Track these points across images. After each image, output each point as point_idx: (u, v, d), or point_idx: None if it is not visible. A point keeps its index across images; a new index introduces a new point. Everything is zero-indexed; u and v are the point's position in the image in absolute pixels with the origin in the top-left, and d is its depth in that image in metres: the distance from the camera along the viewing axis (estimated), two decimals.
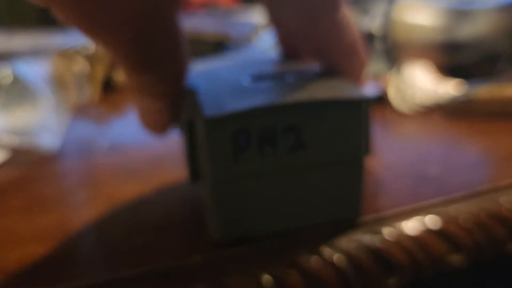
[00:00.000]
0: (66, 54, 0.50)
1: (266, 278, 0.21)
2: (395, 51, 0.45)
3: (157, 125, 0.23)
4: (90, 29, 0.18)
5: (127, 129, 0.38)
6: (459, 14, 0.43)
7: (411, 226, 0.23)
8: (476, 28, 0.41)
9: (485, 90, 0.35)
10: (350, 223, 0.23)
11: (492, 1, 0.43)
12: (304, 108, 0.20)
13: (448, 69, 0.44)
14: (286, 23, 0.24)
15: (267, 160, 0.20)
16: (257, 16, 0.74)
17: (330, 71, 0.24)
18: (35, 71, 0.45)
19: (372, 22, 0.49)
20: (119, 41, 0.19)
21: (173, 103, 0.22)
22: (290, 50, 0.26)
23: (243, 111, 0.19)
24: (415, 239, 0.23)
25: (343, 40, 0.23)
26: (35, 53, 0.60)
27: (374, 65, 0.48)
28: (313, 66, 0.25)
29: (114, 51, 0.19)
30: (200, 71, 0.25)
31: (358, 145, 0.22)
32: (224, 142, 0.20)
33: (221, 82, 0.23)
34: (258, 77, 0.23)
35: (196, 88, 0.22)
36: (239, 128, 0.20)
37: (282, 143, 0.20)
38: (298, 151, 0.21)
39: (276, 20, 0.24)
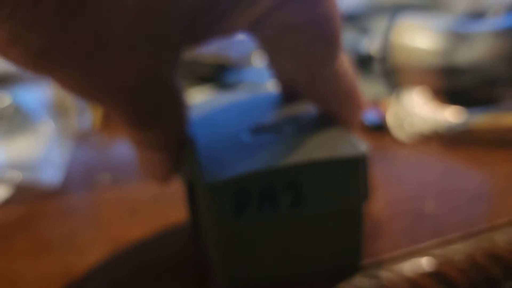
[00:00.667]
0: None
1: None
2: (394, 74, 0.46)
3: (158, 176, 0.24)
4: (91, 95, 0.19)
5: (130, 158, 0.39)
6: (457, 38, 0.43)
7: (408, 269, 0.24)
8: (475, 52, 0.42)
9: (483, 119, 0.36)
10: (351, 270, 0.24)
11: (489, 24, 0.43)
12: (303, 168, 0.21)
13: (447, 93, 0.44)
14: (285, 71, 0.25)
15: (268, 216, 0.21)
16: None
17: (328, 116, 0.25)
18: (36, 97, 0.46)
19: (371, 43, 0.50)
20: (119, 104, 0.19)
21: (174, 155, 0.23)
22: (288, 91, 0.27)
23: (243, 174, 0.20)
24: (412, 283, 0.24)
25: (340, 88, 0.24)
26: (30, 80, 0.61)
27: (373, 88, 0.48)
28: (311, 109, 0.26)
29: (115, 112, 0.20)
30: (199, 118, 0.26)
31: (357, 196, 0.22)
32: (225, 203, 0.20)
33: (220, 136, 0.23)
34: (257, 130, 0.24)
35: (196, 142, 0.23)
36: (239, 189, 0.20)
37: (282, 200, 0.21)
38: (298, 206, 0.21)
39: (276, 66, 0.25)
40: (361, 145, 0.22)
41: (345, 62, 0.23)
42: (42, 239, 0.28)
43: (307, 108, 0.26)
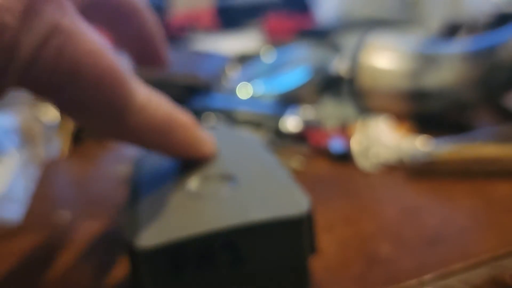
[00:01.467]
0: (34, 103, 0.50)
1: None
2: (362, 96, 0.45)
3: None
4: None
5: (98, 191, 0.39)
6: (425, 60, 0.43)
7: None
8: (443, 75, 0.42)
9: (449, 149, 0.35)
10: None
11: (458, 46, 0.43)
12: (241, 230, 0.20)
13: (415, 118, 0.44)
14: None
15: (207, 276, 0.21)
16: (234, 43, 0.75)
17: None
18: (1, 124, 0.45)
19: (341, 63, 0.50)
20: None
21: None
22: None
23: (177, 240, 0.19)
24: None
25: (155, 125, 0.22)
26: (1, 103, 0.60)
27: (342, 111, 0.48)
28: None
29: None
30: (148, 168, 0.26)
31: (300, 255, 0.22)
32: (162, 265, 0.20)
33: (164, 191, 0.23)
34: (202, 181, 0.23)
35: (138, 201, 0.23)
36: (177, 253, 0.20)
37: (221, 260, 0.21)
38: (237, 266, 0.21)
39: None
40: (303, 200, 0.22)
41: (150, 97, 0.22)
42: None
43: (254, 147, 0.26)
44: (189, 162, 0.26)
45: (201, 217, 0.21)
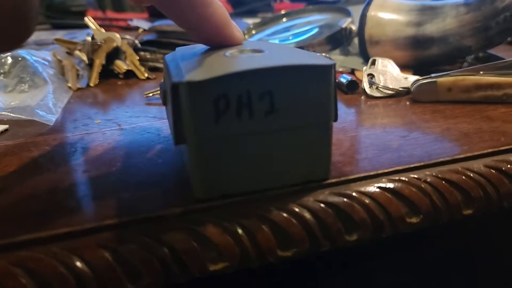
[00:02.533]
0: (66, 43, 0.51)
1: (239, 230, 0.22)
2: (369, 45, 0.46)
3: None
4: None
5: (121, 110, 0.39)
6: (428, 10, 0.44)
7: (370, 188, 0.24)
8: (445, 22, 0.42)
9: (449, 77, 0.36)
10: (318, 185, 0.24)
11: None
12: (277, 74, 0.21)
13: (418, 63, 0.45)
14: None
15: (244, 123, 0.21)
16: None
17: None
18: (37, 57, 0.46)
19: (352, 20, 0.50)
20: None
21: None
22: None
23: (221, 75, 0.20)
24: (373, 199, 0.24)
25: None
26: (38, 45, 0.61)
27: (352, 60, 0.49)
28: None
29: None
30: (187, 51, 0.26)
31: (327, 109, 0.22)
32: (206, 106, 0.20)
33: (199, 55, 0.24)
34: (233, 52, 0.24)
35: (176, 58, 0.23)
36: (219, 93, 0.20)
37: (258, 107, 0.21)
38: (272, 115, 0.21)
39: None
40: (328, 60, 0.22)
41: None
42: (31, 162, 0.28)
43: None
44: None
45: (240, 64, 0.21)
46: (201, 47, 0.27)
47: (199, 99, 0.20)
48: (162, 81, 0.28)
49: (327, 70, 0.21)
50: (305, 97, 0.22)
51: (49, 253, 0.20)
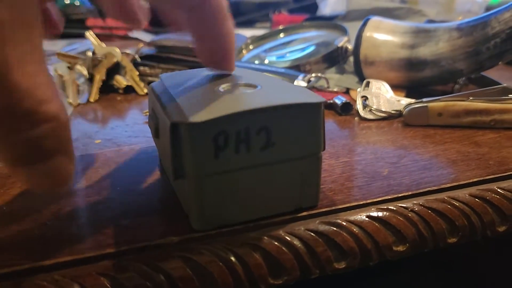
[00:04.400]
0: (67, 58, 0.52)
1: (233, 258, 0.23)
2: (364, 65, 0.47)
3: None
4: None
5: (121, 129, 0.40)
6: (421, 33, 0.45)
7: (359, 217, 0.25)
8: (438, 46, 0.43)
9: (440, 102, 0.37)
10: (309, 214, 0.25)
11: (452, 22, 0.45)
12: (274, 112, 0.22)
13: (412, 84, 0.46)
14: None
15: (242, 157, 0.22)
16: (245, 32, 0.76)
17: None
18: None
19: (348, 39, 0.51)
20: None
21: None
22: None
23: (222, 116, 0.21)
24: (362, 228, 0.25)
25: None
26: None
27: (347, 80, 0.50)
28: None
29: None
30: (170, 79, 0.27)
31: (318, 141, 0.24)
32: (206, 143, 0.21)
33: (194, 89, 0.25)
34: (227, 86, 0.25)
35: (170, 91, 0.24)
36: (219, 131, 0.21)
37: (255, 143, 0.22)
38: (268, 149, 0.23)
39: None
40: (318, 97, 0.23)
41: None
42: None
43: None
44: (215, 75, 0.27)
45: (239, 103, 0.22)
46: (188, 75, 0.28)
47: (200, 137, 0.21)
48: (150, 112, 0.29)
49: (318, 107, 0.23)
50: (298, 131, 0.23)
51: (52, 281, 0.21)
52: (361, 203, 0.26)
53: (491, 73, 0.48)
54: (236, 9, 0.99)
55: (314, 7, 0.87)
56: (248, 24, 0.93)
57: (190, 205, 0.23)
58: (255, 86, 0.25)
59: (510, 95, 0.37)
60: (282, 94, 0.24)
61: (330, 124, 0.39)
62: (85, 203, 0.26)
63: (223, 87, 0.25)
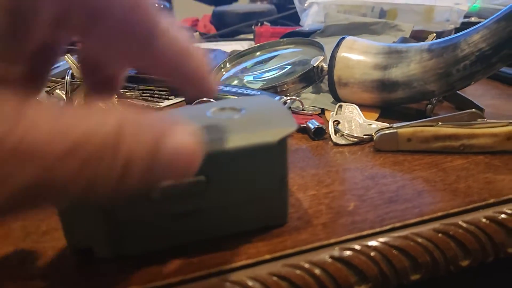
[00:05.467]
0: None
1: None
2: (338, 86, 0.47)
3: None
4: None
5: None
6: (393, 53, 0.45)
7: (323, 258, 0.25)
8: (409, 67, 0.43)
9: (411, 127, 0.37)
10: (273, 257, 0.25)
11: (424, 43, 0.45)
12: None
13: (385, 104, 0.46)
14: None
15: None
16: (227, 45, 0.76)
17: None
18: None
19: (322, 59, 0.51)
20: None
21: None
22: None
23: None
24: (325, 270, 0.25)
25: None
26: None
27: (321, 100, 0.50)
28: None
29: None
30: None
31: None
32: None
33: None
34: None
35: None
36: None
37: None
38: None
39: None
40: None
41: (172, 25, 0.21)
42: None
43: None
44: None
45: None
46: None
47: None
48: None
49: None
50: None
51: None
52: (325, 243, 0.26)
53: (466, 88, 0.48)
54: (220, 19, 0.99)
55: (297, 17, 0.87)
56: (232, 35, 0.93)
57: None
58: (239, 110, 0.27)
59: (479, 119, 0.37)
60: (247, 127, 0.25)
61: (303, 150, 0.39)
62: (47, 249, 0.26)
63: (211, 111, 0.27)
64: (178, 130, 0.18)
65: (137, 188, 0.17)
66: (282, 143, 0.25)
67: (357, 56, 0.46)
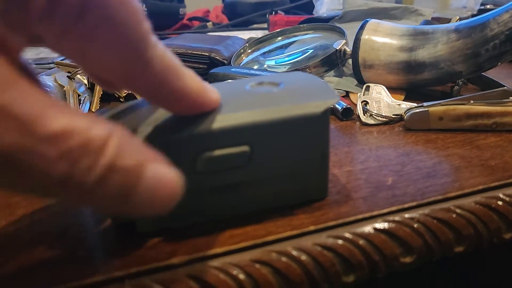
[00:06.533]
0: (67, 67, 0.51)
1: (241, 275, 0.22)
2: (362, 68, 0.46)
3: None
4: None
5: None
6: (420, 35, 0.44)
7: (366, 230, 0.25)
8: (436, 48, 0.43)
9: (440, 107, 0.37)
10: (316, 229, 0.25)
11: (450, 24, 0.44)
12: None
13: (411, 86, 0.46)
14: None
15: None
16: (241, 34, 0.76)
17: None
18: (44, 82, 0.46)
19: (346, 42, 0.51)
20: None
21: None
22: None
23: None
24: (369, 241, 0.25)
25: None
26: (38, 64, 0.61)
27: (346, 83, 0.49)
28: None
29: None
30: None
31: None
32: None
33: None
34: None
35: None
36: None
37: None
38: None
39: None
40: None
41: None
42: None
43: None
44: None
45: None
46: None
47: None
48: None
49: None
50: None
51: None
52: (367, 215, 0.26)
53: (489, 71, 0.48)
54: (232, 10, 0.99)
55: (310, 6, 0.86)
56: (245, 25, 0.92)
57: None
58: (278, 84, 0.27)
59: (510, 97, 0.37)
60: (293, 100, 0.25)
61: (332, 130, 0.39)
62: (91, 222, 0.26)
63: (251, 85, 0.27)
64: (163, 162, 0.18)
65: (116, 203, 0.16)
66: (325, 115, 0.25)
67: (382, 38, 0.46)
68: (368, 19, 0.48)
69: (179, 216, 0.25)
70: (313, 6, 0.83)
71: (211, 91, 0.23)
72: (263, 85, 0.27)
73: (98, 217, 0.26)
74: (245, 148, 0.24)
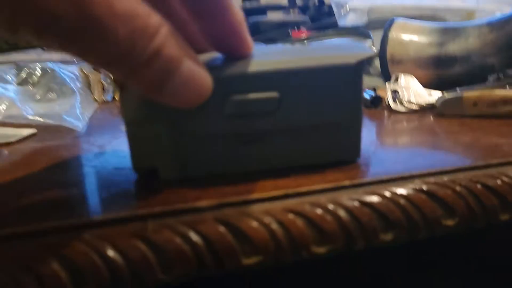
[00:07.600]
0: None
1: (275, 224, 0.21)
2: (391, 65, 0.45)
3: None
4: None
5: None
6: (449, 31, 0.44)
7: (406, 190, 0.23)
8: (467, 42, 0.42)
9: (475, 92, 0.35)
10: (352, 184, 0.23)
11: (481, 20, 0.44)
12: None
13: (441, 83, 0.44)
14: None
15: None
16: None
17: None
18: (65, 71, 0.46)
19: (373, 42, 0.50)
20: None
21: None
22: None
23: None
24: (411, 201, 0.23)
25: None
26: (65, 63, 0.62)
27: (372, 80, 0.48)
28: None
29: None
30: None
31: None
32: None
33: None
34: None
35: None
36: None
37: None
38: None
39: None
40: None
41: None
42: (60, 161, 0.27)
43: None
44: None
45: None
46: None
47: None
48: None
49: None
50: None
51: (81, 240, 0.19)
52: (406, 175, 0.24)
53: None
54: (255, 28, 0.99)
55: (333, 26, 0.87)
56: (269, 42, 0.93)
57: None
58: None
59: None
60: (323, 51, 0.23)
61: None
62: (115, 172, 0.25)
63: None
64: (198, 61, 0.19)
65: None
66: (359, 67, 0.24)
67: (410, 35, 0.45)
68: (395, 18, 0.47)
69: (204, 165, 0.23)
70: (336, 26, 0.84)
71: (249, 37, 0.23)
72: (296, 44, 0.26)
73: (121, 171, 0.25)
74: (274, 94, 0.23)
